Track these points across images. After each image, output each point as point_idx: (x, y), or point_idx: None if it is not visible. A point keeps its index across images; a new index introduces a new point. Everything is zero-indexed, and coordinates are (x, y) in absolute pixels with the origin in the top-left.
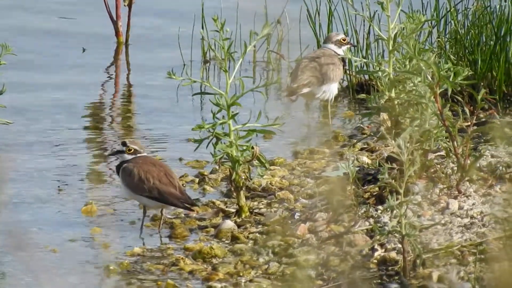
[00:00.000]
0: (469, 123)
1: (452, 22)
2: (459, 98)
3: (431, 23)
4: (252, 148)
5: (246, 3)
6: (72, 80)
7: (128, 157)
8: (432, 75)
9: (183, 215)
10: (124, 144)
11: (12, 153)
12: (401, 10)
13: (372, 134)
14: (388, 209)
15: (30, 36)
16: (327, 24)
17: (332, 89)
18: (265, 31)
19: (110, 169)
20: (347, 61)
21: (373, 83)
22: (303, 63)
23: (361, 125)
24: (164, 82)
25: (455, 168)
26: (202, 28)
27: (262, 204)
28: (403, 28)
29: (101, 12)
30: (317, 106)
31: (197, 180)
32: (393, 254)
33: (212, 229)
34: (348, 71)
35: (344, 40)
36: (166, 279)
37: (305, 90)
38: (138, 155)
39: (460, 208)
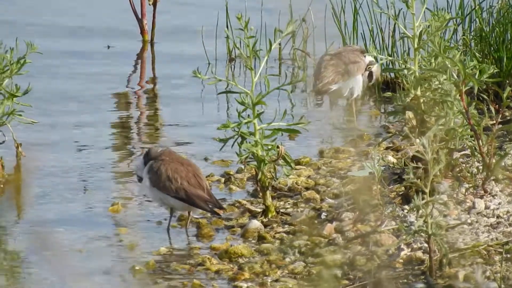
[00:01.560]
0: (495, 122)
1: (477, 20)
2: (485, 96)
3: (456, 21)
4: (278, 147)
5: (271, 1)
6: (98, 79)
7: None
8: (458, 73)
9: (209, 215)
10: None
11: (37, 152)
12: (426, 8)
13: (397, 133)
14: (414, 209)
15: (54, 35)
16: (352, 22)
17: (358, 82)
18: (290, 29)
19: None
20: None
21: (399, 81)
22: (324, 60)
23: (387, 124)
24: (190, 80)
25: (481, 167)
26: (227, 26)
27: (288, 203)
28: (428, 26)
29: (126, 10)
30: (342, 105)
31: (223, 179)
32: (419, 254)
33: (239, 229)
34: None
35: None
36: (192, 279)
37: (334, 87)
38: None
39: (487, 207)
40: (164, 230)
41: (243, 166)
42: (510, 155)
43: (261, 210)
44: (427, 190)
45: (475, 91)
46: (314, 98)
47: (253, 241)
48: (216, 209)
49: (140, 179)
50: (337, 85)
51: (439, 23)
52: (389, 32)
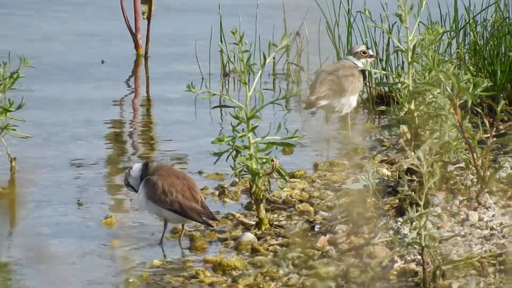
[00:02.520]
0: (489, 135)
1: (471, 33)
2: (479, 110)
3: (450, 34)
4: (272, 160)
5: (265, 16)
6: (91, 93)
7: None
8: (452, 86)
9: (203, 228)
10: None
11: (31, 167)
12: (420, 21)
13: (392, 146)
14: (408, 221)
15: (49, 48)
16: (346, 35)
17: (350, 102)
18: (284, 42)
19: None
20: (367, 73)
21: (393, 95)
22: (322, 75)
23: (381, 137)
24: (184, 95)
25: (475, 179)
26: (221, 41)
27: (282, 216)
28: (422, 39)
29: (120, 24)
30: (337, 119)
31: (217, 192)
32: (412, 266)
33: (232, 242)
34: (368, 83)
35: (364, 53)
36: None
37: (323, 102)
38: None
39: (480, 219)
40: (158, 242)
41: (237, 179)
42: (504, 168)
43: (255, 222)
44: (421, 203)
45: (469, 104)
46: (304, 110)
47: (246, 254)
48: (210, 221)
49: (132, 188)
50: (328, 101)
51: (433, 36)
52: (383, 46)
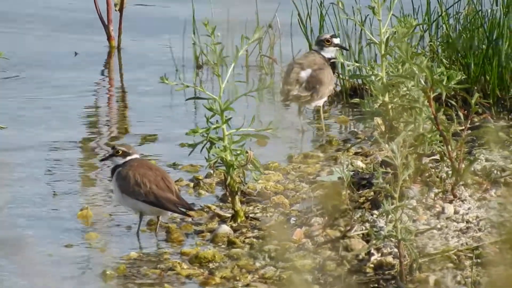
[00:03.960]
0: (463, 127)
1: (444, 26)
2: (453, 102)
3: (423, 27)
4: (246, 152)
5: (237, 9)
6: (65, 84)
7: (119, 160)
8: (426, 79)
9: (179, 220)
10: (113, 148)
11: (6, 157)
12: (392, 14)
13: (366, 138)
14: (384, 214)
15: (22, 40)
16: (318, 27)
17: (321, 94)
18: (256, 35)
19: (105, 172)
20: (339, 65)
21: (367, 87)
22: (295, 67)
23: (355, 130)
24: (157, 87)
25: (450, 172)
26: (194, 33)
27: (258, 208)
28: (395, 32)
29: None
30: (310, 111)
31: (192, 184)
32: (389, 259)
33: (208, 234)
34: (341, 76)
35: (328, 41)
36: (163, 283)
37: (298, 93)
38: (130, 157)
39: (456, 212)
40: (134, 235)
41: (212, 171)
42: (479, 161)
43: (231, 215)
44: (396, 195)
45: (443, 97)
46: (280, 102)
47: (223, 246)
48: (187, 211)
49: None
50: (302, 93)
51: (405, 29)
52: (355, 39)
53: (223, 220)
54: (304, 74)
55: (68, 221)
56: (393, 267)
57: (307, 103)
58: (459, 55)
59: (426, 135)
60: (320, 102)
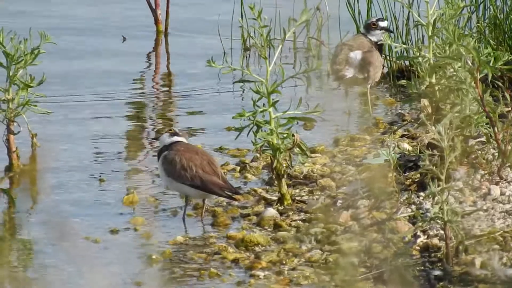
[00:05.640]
0: (510, 109)
1: (491, 7)
2: (500, 83)
3: (470, 8)
4: (293, 135)
5: None
6: (113, 69)
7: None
8: (472, 60)
9: (225, 203)
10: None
11: (52, 143)
12: None
13: (412, 120)
14: (430, 196)
15: (70, 26)
16: (366, 10)
17: (373, 77)
18: (304, 17)
19: (151, 158)
20: (386, 47)
21: (414, 69)
22: (343, 49)
23: (402, 112)
24: (204, 70)
25: (496, 154)
26: (241, 16)
27: (304, 191)
28: (442, 13)
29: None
30: (357, 93)
31: (238, 168)
32: (435, 241)
33: (255, 217)
34: (388, 57)
35: (374, 24)
36: (209, 268)
37: (350, 74)
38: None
39: (502, 194)
40: (180, 219)
41: (258, 155)
42: None
43: (277, 198)
44: (442, 177)
45: (490, 78)
46: (332, 83)
47: (269, 230)
48: (231, 194)
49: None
50: (354, 74)
51: (453, 10)
52: (403, 20)
53: (269, 203)
54: (353, 55)
55: (115, 206)
56: (439, 249)
57: (359, 85)
58: (506, 36)
59: (472, 117)
60: (369, 85)
